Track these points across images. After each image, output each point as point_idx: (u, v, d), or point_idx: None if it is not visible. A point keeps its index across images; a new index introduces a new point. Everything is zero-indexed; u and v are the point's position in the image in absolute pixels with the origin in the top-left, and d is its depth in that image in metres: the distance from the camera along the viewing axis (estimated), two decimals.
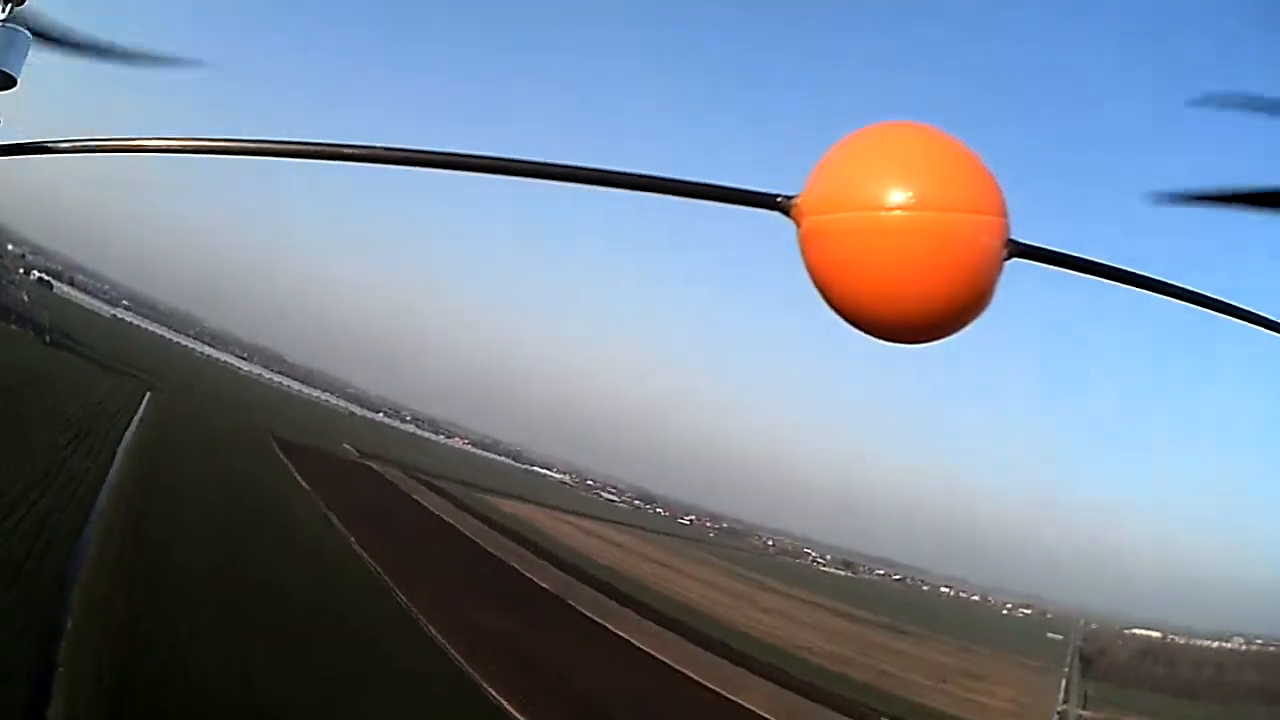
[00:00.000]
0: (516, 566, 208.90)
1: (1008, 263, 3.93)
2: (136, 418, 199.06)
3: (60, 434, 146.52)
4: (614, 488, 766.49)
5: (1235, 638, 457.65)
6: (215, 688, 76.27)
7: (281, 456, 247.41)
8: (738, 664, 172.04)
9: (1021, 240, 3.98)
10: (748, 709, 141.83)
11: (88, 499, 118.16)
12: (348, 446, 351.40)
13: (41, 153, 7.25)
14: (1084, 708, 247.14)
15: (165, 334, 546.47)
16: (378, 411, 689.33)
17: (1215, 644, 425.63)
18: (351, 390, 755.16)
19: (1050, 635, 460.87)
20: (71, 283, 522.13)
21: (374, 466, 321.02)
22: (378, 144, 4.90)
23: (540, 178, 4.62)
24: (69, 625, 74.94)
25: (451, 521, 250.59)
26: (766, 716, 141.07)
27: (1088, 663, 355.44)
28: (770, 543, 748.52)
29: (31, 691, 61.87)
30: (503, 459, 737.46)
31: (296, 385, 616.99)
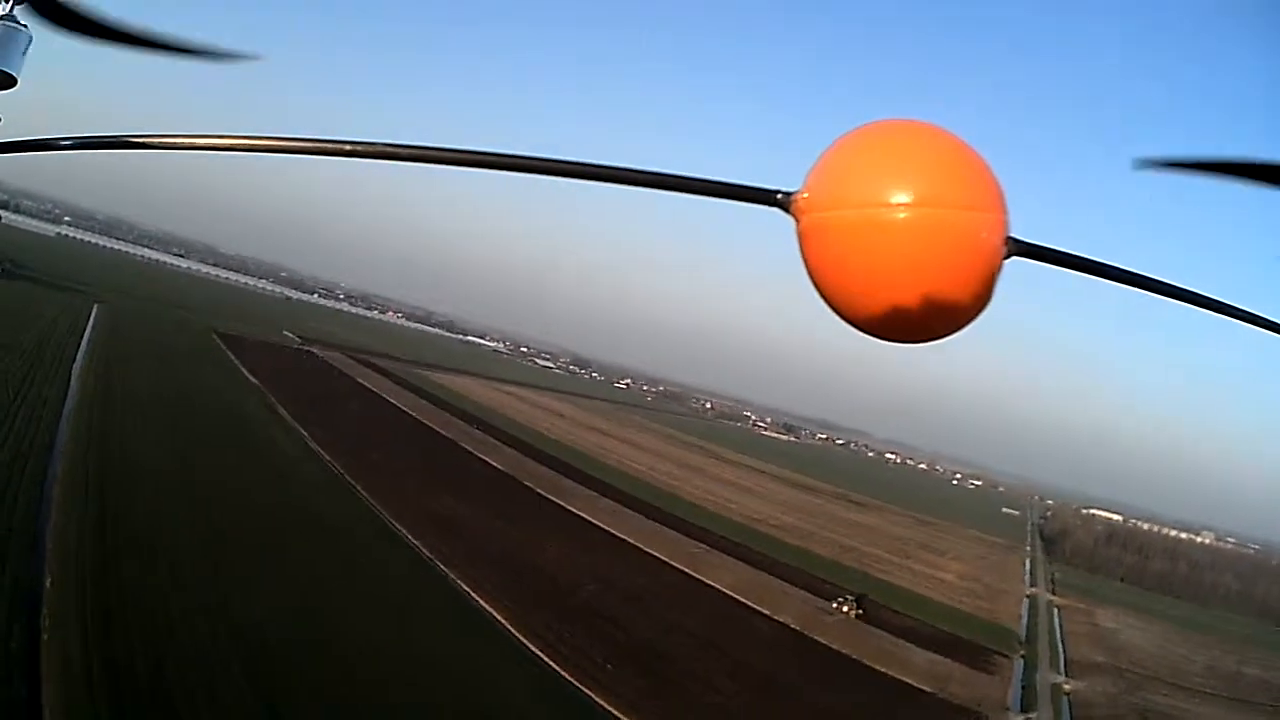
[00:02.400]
0: (467, 447, 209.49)
1: (1008, 261, 3.96)
2: (87, 334, 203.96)
3: (16, 364, 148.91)
4: (548, 354, 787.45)
5: (1205, 531, 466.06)
6: (192, 599, 76.39)
7: (228, 353, 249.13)
8: (698, 539, 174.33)
9: (1022, 238, 4.01)
10: (715, 588, 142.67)
11: (50, 427, 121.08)
12: (288, 333, 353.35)
13: (43, 150, 7.23)
14: (1054, 593, 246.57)
15: (106, 243, 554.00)
16: (312, 293, 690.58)
17: (1184, 535, 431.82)
18: (285, 274, 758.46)
19: (1006, 510, 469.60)
20: (17, 209, 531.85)
21: (315, 351, 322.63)
22: (378, 140, 4.86)
23: (540, 173, 4.63)
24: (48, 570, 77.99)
25: (397, 403, 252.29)
26: (732, 594, 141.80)
27: (1050, 543, 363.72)
28: (709, 405, 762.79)
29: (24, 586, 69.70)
30: (436, 330, 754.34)
31: (233, 275, 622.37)
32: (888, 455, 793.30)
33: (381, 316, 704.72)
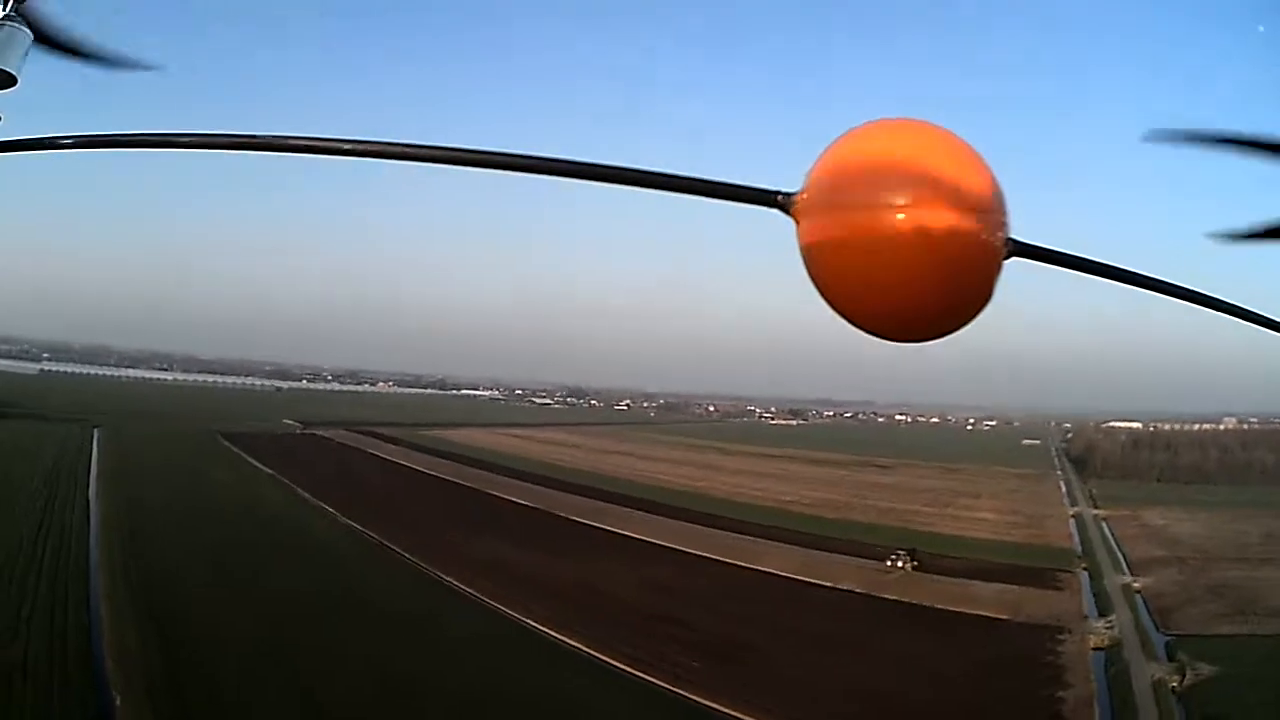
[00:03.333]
0: (493, 492, 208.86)
1: (1007, 261, 3.94)
2: (94, 458, 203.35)
3: (33, 499, 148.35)
4: (544, 391, 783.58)
5: (1226, 418, 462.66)
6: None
7: (236, 451, 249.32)
8: (738, 532, 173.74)
9: (1021, 239, 4.00)
10: (770, 573, 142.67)
11: (82, 541, 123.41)
12: (288, 421, 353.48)
13: (43, 149, 7.22)
14: (1095, 506, 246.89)
15: (90, 370, 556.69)
16: (300, 379, 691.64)
17: (1207, 426, 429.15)
18: (269, 367, 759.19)
19: (1026, 442, 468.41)
20: None
21: (319, 433, 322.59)
22: (376, 139, 4.91)
23: (539, 173, 4.62)
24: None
25: (411, 465, 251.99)
26: (790, 575, 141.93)
27: (1079, 463, 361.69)
28: (711, 408, 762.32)
29: None
30: (430, 391, 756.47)
31: (219, 378, 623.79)
32: (897, 417, 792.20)
33: (373, 389, 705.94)
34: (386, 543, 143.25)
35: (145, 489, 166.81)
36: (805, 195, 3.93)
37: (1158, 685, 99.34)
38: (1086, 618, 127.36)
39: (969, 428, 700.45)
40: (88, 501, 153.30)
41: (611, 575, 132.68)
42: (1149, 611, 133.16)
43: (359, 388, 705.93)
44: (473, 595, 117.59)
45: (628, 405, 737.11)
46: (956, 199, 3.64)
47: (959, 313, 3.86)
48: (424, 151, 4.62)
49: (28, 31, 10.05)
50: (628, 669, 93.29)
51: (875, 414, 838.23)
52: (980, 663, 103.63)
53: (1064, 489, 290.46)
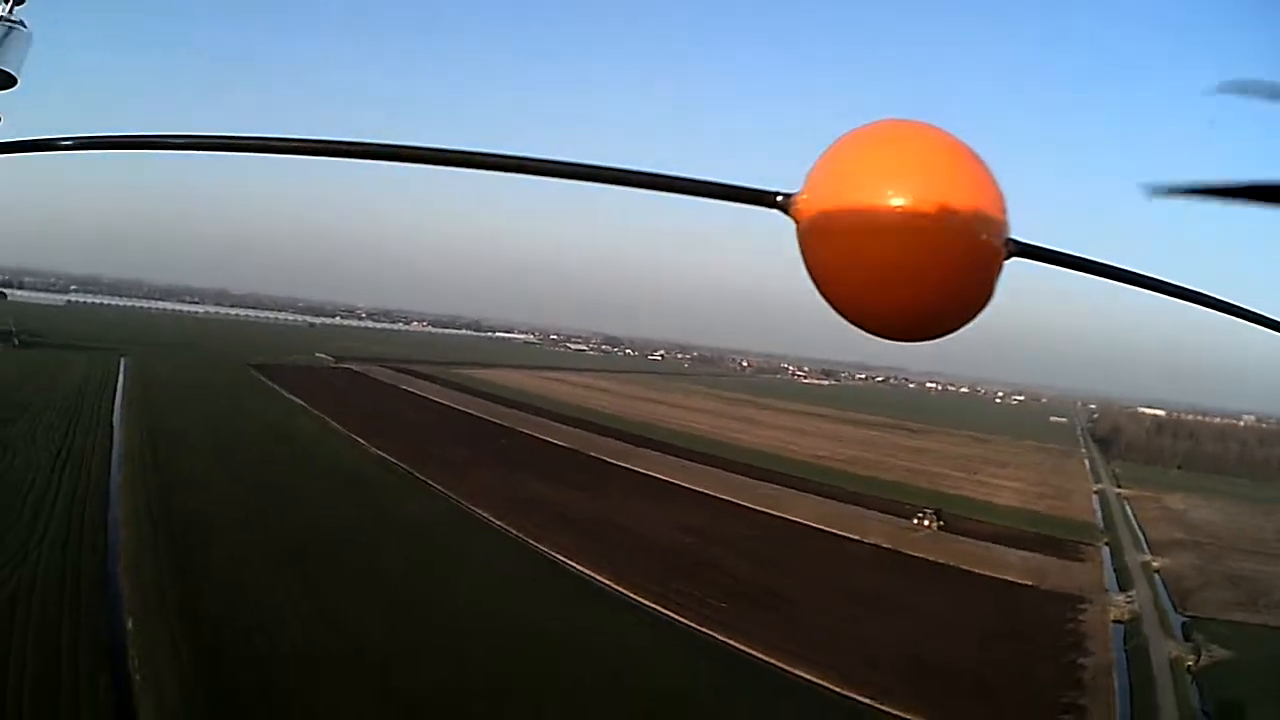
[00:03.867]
0: (527, 431, 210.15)
1: (1007, 261, 3.90)
2: (119, 385, 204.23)
3: (56, 421, 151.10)
4: (579, 338, 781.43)
5: (1245, 415, 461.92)
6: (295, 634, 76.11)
7: (267, 382, 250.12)
8: (770, 482, 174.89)
9: (1021, 239, 3.95)
10: (800, 523, 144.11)
11: (101, 477, 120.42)
12: (320, 355, 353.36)
13: (44, 150, 7.16)
14: (1119, 486, 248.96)
15: (117, 302, 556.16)
16: (333, 316, 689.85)
17: (1229, 421, 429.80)
18: (301, 304, 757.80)
19: (1054, 419, 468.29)
20: (20, 286, 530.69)
21: (352, 368, 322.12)
22: (382, 141, 4.72)
23: (539, 174, 4.52)
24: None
25: (445, 402, 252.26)
26: (819, 526, 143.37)
27: (1104, 443, 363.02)
28: (745, 363, 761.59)
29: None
30: (465, 332, 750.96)
31: (251, 313, 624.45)
32: (929, 385, 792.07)
33: (407, 328, 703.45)
34: (418, 474, 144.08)
35: (171, 418, 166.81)
36: (805, 196, 3.94)
37: (1175, 662, 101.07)
38: (1107, 590, 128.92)
39: (998, 400, 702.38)
40: (110, 428, 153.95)
41: (642, 516, 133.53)
42: (1167, 591, 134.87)
43: (393, 326, 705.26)
44: (503, 528, 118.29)
45: (662, 356, 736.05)
46: (956, 199, 3.67)
47: (959, 313, 3.87)
48: (424, 153, 4.66)
49: (28, 31, 10.12)
50: (655, 606, 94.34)
51: (907, 379, 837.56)
52: (1006, 625, 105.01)
53: (1088, 466, 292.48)
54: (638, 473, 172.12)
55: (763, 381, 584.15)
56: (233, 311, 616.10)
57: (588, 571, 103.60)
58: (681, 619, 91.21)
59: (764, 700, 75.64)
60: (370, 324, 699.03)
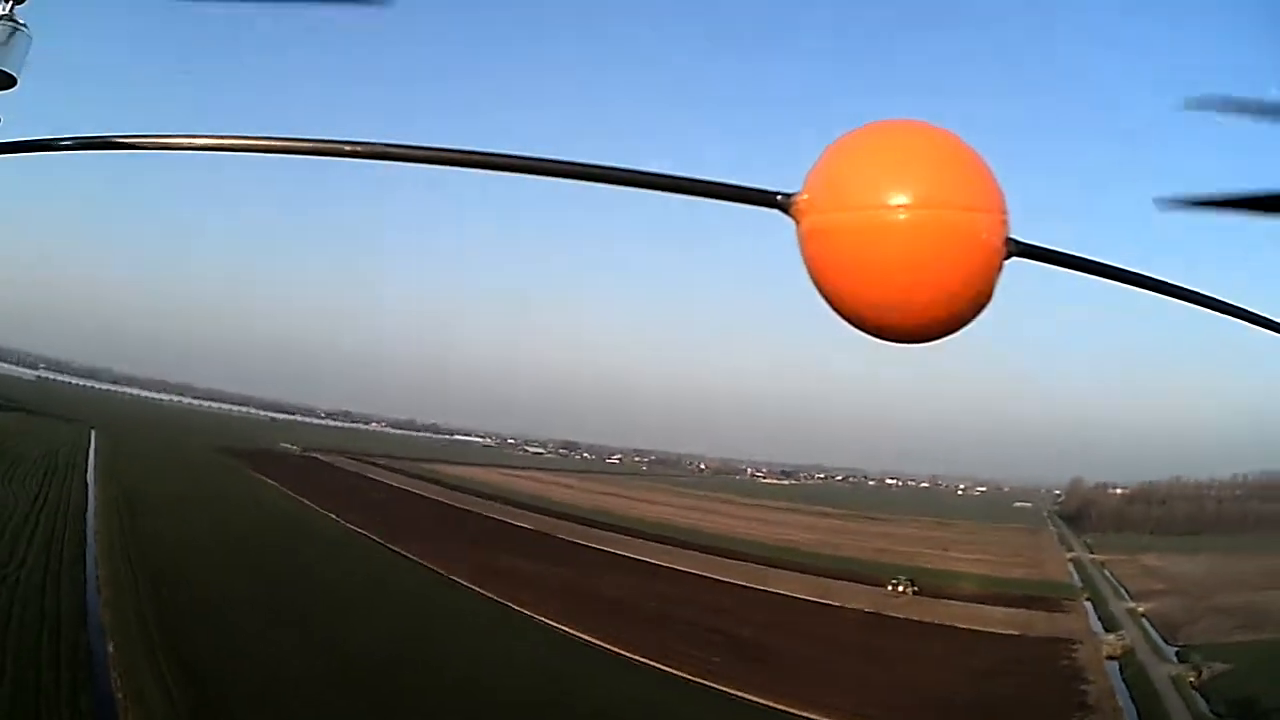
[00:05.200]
0: (496, 516, 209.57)
1: (1007, 261, 3.92)
2: (92, 450, 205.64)
3: (33, 474, 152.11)
4: (535, 442, 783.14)
5: (1220, 476, 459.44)
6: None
7: (236, 462, 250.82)
8: (742, 560, 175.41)
9: (1021, 239, 3.99)
10: (780, 594, 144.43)
11: (79, 517, 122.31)
12: (286, 445, 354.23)
13: (43, 150, 7.28)
14: (1092, 553, 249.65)
15: (85, 384, 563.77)
16: (294, 414, 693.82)
17: (1203, 483, 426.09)
18: (262, 401, 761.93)
19: (1018, 505, 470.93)
20: None
21: (319, 457, 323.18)
22: (377, 141, 4.89)
23: (538, 174, 4.61)
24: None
25: (413, 490, 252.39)
26: (798, 595, 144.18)
27: (1072, 520, 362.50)
28: (702, 466, 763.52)
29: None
30: (424, 434, 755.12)
31: (214, 405, 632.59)
32: (888, 481, 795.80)
33: (366, 427, 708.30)
34: (393, 546, 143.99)
35: (145, 483, 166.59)
36: (806, 196, 3.95)
37: (1176, 680, 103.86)
38: (1096, 634, 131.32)
39: (959, 492, 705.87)
40: (85, 486, 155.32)
41: (623, 587, 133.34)
42: (1156, 629, 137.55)
43: (352, 425, 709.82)
44: (486, 595, 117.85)
45: (619, 460, 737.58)
46: (957, 199, 3.70)
47: (960, 313, 3.85)
48: (424, 153, 4.73)
49: (28, 31, 10.11)
50: (652, 662, 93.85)
51: (866, 478, 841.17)
52: (1003, 665, 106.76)
53: (1058, 540, 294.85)
54: (607, 551, 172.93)
55: (722, 481, 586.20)
56: (197, 403, 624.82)
57: (573, 631, 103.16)
58: (681, 673, 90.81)
59: None
60: (330, 422, 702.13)
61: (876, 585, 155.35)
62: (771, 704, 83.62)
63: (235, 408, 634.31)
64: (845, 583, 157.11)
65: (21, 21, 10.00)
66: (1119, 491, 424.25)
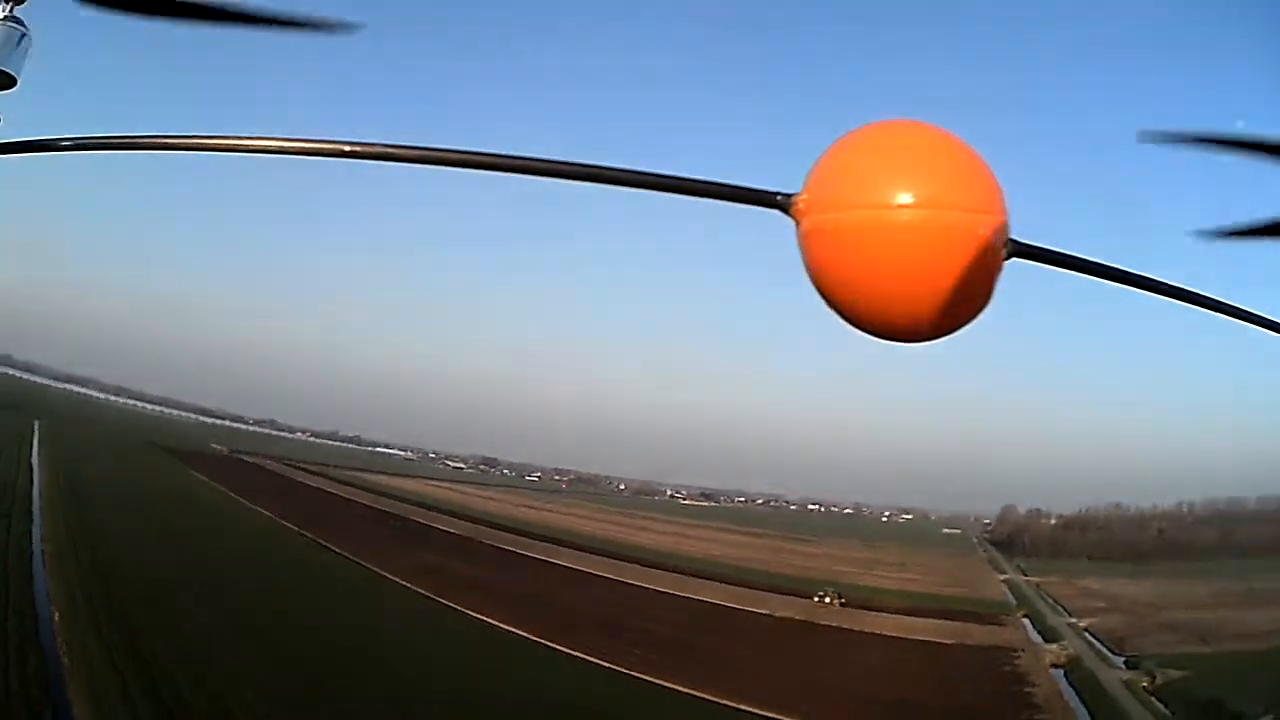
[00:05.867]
0: (421, 521, 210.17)
1: (1007, 262, 3.91)
2: (35, 439, 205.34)
3: None
4: (457, 456, 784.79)
5: (1163, 504, 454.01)
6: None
7: (170, 457, 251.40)
8: (667, 571, 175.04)
9: (1021, 239, 3.99)
10: (707, 601, 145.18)
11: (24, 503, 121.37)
12: (216, 446, 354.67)
13: (43, 150, 7.26)
14: (1026, 575, 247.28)
15: (26, 377, 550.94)
16: (223, 419, 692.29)
17: (1146, 511, 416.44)
18: (190, 405, 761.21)
19: (946, 530, 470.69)
20: None
21: (246, 459, 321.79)
22: (377, 141, 4.87)
23: (538, 174, 4.61)
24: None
25: (339, 494, 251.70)
26: (727, 604, 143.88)
27: (1004, 545, 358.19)
28: (621, 486, 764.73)
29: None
30: (346, 445, 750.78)
31: (145, 405, 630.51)
32: (810, 507, 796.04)
33: (291, 436, 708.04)
34: (323, 541, 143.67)
35: (86, 468, 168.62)
36: (806, 196, 3.95)
37: (1130, 684, 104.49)
38: (1036, 644, 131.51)
39: (885, 519, 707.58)
40: (31, 470, 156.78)
41: (548, 587, 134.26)
42: (1101, 642, 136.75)
43: (278, 433, 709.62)
44: (415, 590, 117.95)
45: (539, 477, 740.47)
46: (957, 200, 3.69)
47: (959, 313, 3.82)
48: (424, 153, 4.75)
49: (28, 32, 10.01)
50: (580, 654, 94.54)
51: (787, 503, 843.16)
52: (943, 671, 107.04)
53: (989, 563, 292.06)
54: (531, 557, 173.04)
55: (642, 501, 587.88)
56: (130, 402, 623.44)
57: (501, 624, 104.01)
58: (618, 667, 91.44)
59: None
60: (256, 429, 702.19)
61: (803, 597, 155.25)
62: (701, 694, 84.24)
63: (165, 410, 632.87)
64: (771, 594, 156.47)
65: (21, 21, 9.92)
66: (1053, 520, 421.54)
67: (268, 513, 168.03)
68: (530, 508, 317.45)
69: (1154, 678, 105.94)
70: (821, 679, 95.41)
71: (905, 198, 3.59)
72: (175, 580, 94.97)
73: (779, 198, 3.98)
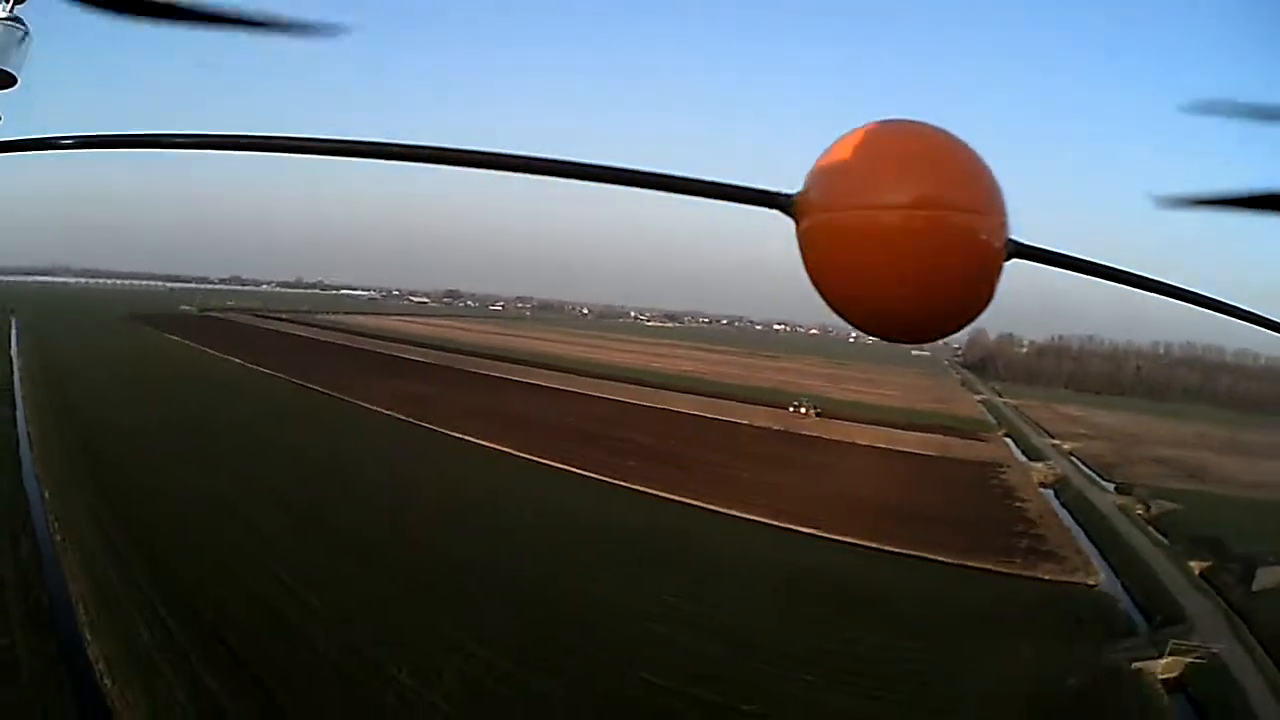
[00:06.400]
0: (392, 353, 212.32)
1: (1008, 262, 3.70)
2: (13, 331, 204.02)
3: None
4: (420, 292, 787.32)
5: (1139, 342, 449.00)
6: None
7: (144, 325, 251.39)
8: (641, 385, 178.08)
9: (1021, 240, 3.76)
10: (682, 412, 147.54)
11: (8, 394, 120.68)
12: (186, 308, 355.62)
13: (43, 149, 7.05)
14: (1001, 397, 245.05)
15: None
16: (190, 283, 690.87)
17: (1125, 342, 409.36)
18: (159, 274, 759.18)
19: (915, 352, 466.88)
20: None
21: (216, 315, 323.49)
22: (376, 140, 4.57)
23: (540, 174, 4.25)
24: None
25: (308, 335, 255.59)
26: (705, 414, 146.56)
27: (977, 368, 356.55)
28: (585, 310, 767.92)
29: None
30: (311, 291, 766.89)
31: (114, 282, 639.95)
32: (775, 327, 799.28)
33: (256, 289, 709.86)
34: (300, 381, 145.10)
35: (67, 348, 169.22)
36: (806, 196, 3.75)
37: (1125, 508, 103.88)
38: (1021, 462, 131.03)
39: (851, 339, 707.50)
40: (10, 357, 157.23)
41: (529, 406, 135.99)
42: (1088, 466, 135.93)
43: (245, 287, 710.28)
44: (397, 417, 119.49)
45: (503, 306, 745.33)
46: (956, 200, 3.49)
47: (960, 314, 3.66)
48: (423, 152, 4.42)
49: (28, 31, 10.09)
50: (569, 467, 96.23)
51: (752, 323, 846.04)
52: (927, 480, 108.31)
53: (963, 384, 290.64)
54: (506, 379, 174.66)
55: (607, 324, 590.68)
56: (100, 282, 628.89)
57: (493, 445, 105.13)
58: (598, 475, 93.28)
59: (707, 531, 78.47)
60: (223, 286, 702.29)
61: (778, 408, 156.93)
62: (689, 501, 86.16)
63: (135, 283, 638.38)
64: (745, 405, 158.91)
65: (21, 21, 10.07)
66: (1025, 346, 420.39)
67: (243, 361, 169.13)
68: (499, 334, 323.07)
69: (1148, 507, 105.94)
70: (795, 484, 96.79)
71: (905, 198, 3.49)
72: (156, 430, 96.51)
73: (780, 197, 3.90)
